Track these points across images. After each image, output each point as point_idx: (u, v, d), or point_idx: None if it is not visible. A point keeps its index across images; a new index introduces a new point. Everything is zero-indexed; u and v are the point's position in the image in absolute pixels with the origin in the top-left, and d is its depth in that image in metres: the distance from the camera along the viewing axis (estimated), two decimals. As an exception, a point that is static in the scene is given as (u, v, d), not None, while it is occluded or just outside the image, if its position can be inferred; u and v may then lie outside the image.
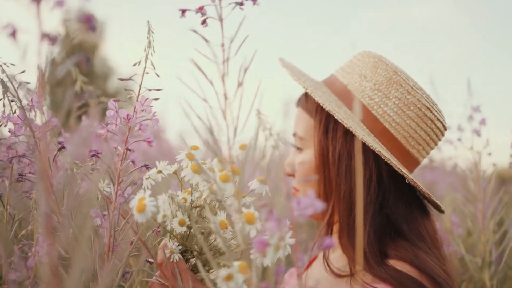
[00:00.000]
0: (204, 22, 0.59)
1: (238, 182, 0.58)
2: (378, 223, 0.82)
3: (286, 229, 0.57)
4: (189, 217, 0.75)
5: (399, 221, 0.83)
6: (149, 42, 0.92)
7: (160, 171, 0.81)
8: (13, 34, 0.46)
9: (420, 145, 0.88)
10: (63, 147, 0.81)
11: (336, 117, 0.82)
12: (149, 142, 0.89)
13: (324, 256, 0.85)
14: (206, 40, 0.60)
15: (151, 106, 0.88)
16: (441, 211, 0.92)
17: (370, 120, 0.86)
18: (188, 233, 0.76)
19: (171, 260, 0.75)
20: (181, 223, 0.74)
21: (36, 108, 0.88)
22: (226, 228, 0.76)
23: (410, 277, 0.75)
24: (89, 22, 0.47)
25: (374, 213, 0.82)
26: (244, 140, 0.73)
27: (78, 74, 1.43)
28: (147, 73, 0.92)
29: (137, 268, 0.92)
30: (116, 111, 0.85)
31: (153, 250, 0.82)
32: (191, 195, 0.78)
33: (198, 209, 0.77)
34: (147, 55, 0.92)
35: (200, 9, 0.59)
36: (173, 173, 0.81)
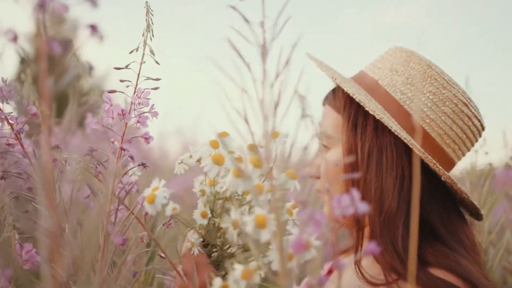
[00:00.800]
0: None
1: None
2: (423, 228, 0.77)
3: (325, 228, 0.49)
4: (212, 209, 0.69)
5: (436, 223, 0.79)
6: (148, 26, 0.82)
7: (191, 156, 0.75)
8: (14, 39, 0.45)
9: (456, 144, 0.84)
10: (57, 146, 0.71)
11: (366, 108, 0.78)
12: (146, 139, 0.80)
13: (356, 262, 0.79)
14: (246, 20, 0.52)
15: (149, 99, 0.79)
16: (479, 217, 0.86)
17: (402, 116, 0.81)
18: (210, 226, 0.71)
19: (191, 253, 0.70)
20: (203, 215, 0.69)
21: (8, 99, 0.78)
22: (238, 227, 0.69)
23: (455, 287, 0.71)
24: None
25: (409, 214, 0.77)
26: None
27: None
28: (144, 62, 0.83)
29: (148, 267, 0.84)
30: (111, 105, 0.76)
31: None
32: (213, 187, 0.70)
33: (221, 201, 0.70)
34: (145, 40, 0.82)
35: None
36: (196, 161, 0.73)
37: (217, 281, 0.55)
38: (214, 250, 0.72)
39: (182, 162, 0.75)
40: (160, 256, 0.77)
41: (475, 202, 0.82)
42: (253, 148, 0.60)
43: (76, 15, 0.47)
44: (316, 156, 0.92)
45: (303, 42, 0.52)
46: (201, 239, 0.70)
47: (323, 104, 0.93)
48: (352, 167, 0.82)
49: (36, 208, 0.69)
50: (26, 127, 0.76)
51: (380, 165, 0.79)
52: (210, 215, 0.69)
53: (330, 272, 0.91)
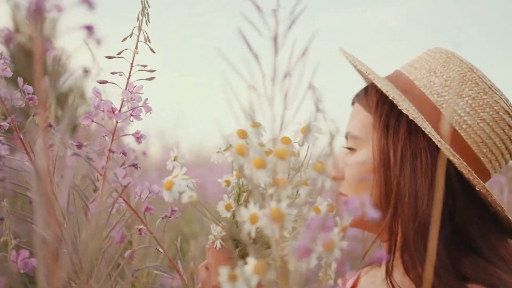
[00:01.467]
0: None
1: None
2: (448, 235, 0.73)
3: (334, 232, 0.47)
4: (237, 202, 0.66)
5: (473, 234, 0.74)
6: (143, 8, 0.77)
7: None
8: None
9: (493, 154, 0.79)
10: (50, 125, 0.66)
11: (399, 107, 0.75)
12: (138, 138, 0.75)
13: (387, 272, 0.75)
14: (258, 8, 0.47)
15: (141, 93, 0.74)
16: (508, 232, 0.81)
17: (438, 119, 0.77)
18: (234, 219, 0.68)
19: (214, 247, 0.68)
20: (227, 208, 0.66)
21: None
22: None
23: None
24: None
25: (443, 223, 0.69)
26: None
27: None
28: (137, 53, 0.78)
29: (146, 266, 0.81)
30: (101, 99, 0.71)
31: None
32: (239, 179, 0.67)
33: (246, 194, 0.67)
34: (140, 26, 0.77)
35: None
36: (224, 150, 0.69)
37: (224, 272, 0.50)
38: (239, 244, 0.69)
39: (219, 151, 0.71)
40: (158, 250, 0.75)
41: (510, 217, 0.78)
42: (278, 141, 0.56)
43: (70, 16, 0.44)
44: (340, 157, 0.87)
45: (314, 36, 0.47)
46: (224, 233, 0.68)
47: (353, 103, 0.89)
48: (384, 170, 0.78)
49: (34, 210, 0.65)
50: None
51: (414, 170, 0.75)
52: (234, 208, 0.66)
53: (355, 284, 0.87)
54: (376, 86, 0.80)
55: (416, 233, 0.73)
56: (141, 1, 0.78)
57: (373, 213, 0.45)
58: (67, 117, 0.62)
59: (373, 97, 0.82)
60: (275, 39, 0.47)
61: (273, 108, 0.48)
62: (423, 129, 0.73)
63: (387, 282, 0.74)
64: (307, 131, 0.59)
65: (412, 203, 0.74)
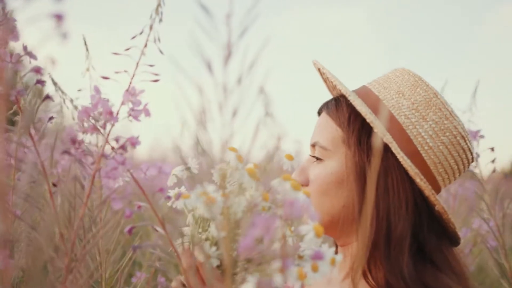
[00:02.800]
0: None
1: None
2: (414, 250, 0.81)
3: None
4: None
5: (431, 248, 0.83)
6: (158, 7, 0.78)
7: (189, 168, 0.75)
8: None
9: (447, 173, 0.87)
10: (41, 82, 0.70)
11: (376, 131, 0.80)
12: (133, 143, 0.77)
13: (353, 280, 0.82)
14: (210, 16, 0.47)
15: (140, 99, 0.76)
16: (457, 244, 0.90)
17: (404, 140, 0.84)
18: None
19: (208, 266, 0.67)
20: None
21: None
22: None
23: None
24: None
25: (411, 239, 0.80)
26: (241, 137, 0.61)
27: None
28: (144, 54, 0.80)
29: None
30: (99, 98, 0.73)
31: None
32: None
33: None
34: (151, 25, 0.79)
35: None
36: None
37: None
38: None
39: (174, 174, 0.75)
40: (155, 229, 0.72)
41: (458, 233, 0.87)
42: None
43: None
44: (305, 163, 0.93)
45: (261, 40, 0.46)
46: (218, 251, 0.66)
47: (319, 113, 0.94)
48: (360, 185, 0.83)
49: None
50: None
51: (386, 186, 0.81)
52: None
53: None
54: (347, 101, 0.86)
55: (386, 243, 0.80)
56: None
57: (316, 215, 0.52)
58: (27, 112, 0.64)
59: (345, 112, 0.87)
60: (227, 47, 0.46)
61: (223, 114, 0.47)
62: (396, 153, 0.80)
63: (351, 283, 0.83)
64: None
65: (384, 216, 0.80)
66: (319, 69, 0.95)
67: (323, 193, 0.87)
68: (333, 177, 0.87)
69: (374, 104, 0.88)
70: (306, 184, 0.91)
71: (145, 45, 0.79)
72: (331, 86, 0.99)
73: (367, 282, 0.81)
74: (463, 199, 1.76)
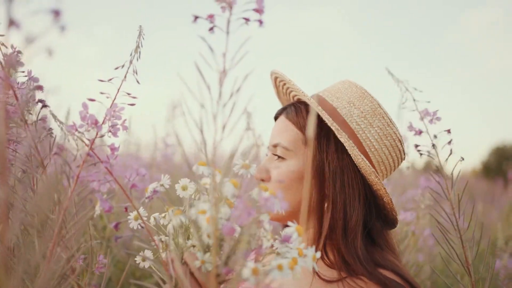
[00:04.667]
0: (211, 29, 0.64)
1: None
2: (364, 234, 0.99)
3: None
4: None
5: (378, 233, 1.01)
6: (137, 47, 0.95)
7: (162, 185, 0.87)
8: None
9: (386, 170, 1.07)
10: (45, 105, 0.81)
11: (339, 138, 0.98)
12: (112, 149, 0.91)
13: (321, 255, 0.99)
14: (211, 49, 0.65)
15: (122, 114, 0.91)
16: (395, 226, 1.09)
17: (356, 143, 1.02)
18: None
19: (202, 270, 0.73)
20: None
21: None
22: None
23: (399, 284, 0.92)
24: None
25: (363, 226, 0.99)
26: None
27: None
28: (125, 80, 0.95)
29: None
30: (87, 112, 0.87)
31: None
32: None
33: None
34: (131, 60, 0.95)
35: (211, 17, 0.64)
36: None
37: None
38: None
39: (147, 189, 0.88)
40: (140, 226, 0.85)
41: (397, 218, 1.07)
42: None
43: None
44: (266, 161, 1.08)
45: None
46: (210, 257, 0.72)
47: (277, 117, 1.12)
48: (320, 181, 1.00)
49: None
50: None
51: (342, 182, 0.99)
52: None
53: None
54: (306, 108, 1.04)
55: (343, 230, 0.97)
56: (136, 41, 0.96)
57: (286, 207, 0.65)
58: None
59: (305, 118, 1.04)
60: (222, 73, 0.64)
61: (216, 122, 0.64)
62: (355, 155, 0.97)
63: (314, 271, 0.95)
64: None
65: (342, 208, 0.98)
66: (276, 78, 1.13)
67: (286, 188, 1.02)
68: (294, 174, 1.02)
69: (331, 112, 1.04)
70: (268, 180, 1.05)
71: (125, 77, 0.95)
72: (282, 92, 1.17)
73: (324, 262, 0.98)
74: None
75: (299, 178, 1.02)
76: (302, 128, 1.04)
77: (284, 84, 1.10)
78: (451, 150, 1.16)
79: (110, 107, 0.91)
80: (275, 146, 1.06)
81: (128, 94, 0.94)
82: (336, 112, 1.04)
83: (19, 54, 0.84)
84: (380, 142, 1.04)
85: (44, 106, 0.85)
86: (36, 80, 0.84)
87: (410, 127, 1.15)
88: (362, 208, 0.99)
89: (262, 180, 1.06)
